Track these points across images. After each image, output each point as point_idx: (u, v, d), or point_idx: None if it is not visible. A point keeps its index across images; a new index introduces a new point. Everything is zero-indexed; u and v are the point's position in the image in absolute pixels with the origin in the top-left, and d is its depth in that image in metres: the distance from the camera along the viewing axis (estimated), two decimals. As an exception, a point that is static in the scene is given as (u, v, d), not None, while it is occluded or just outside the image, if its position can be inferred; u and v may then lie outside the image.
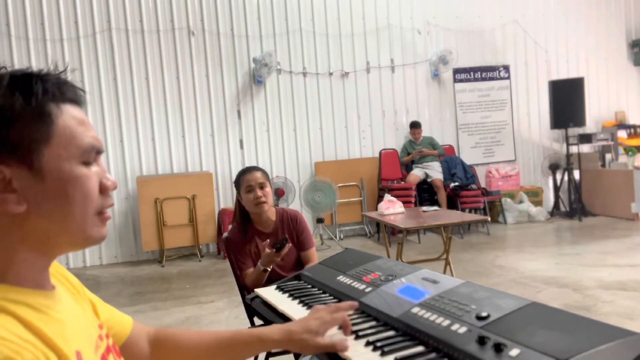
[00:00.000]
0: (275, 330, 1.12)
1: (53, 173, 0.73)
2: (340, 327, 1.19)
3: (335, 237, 7.19)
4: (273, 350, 2.66)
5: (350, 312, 1.25)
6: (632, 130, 8.36)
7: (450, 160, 7.42)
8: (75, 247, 0.78)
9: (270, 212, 2.60)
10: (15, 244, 0.73)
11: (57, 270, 0.88)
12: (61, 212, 0.74)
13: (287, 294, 1.67)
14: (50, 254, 0.77)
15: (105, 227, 0.81)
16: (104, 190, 0.79)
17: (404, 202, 5.14)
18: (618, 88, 8.57)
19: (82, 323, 0.81)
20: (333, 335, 1.17)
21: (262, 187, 2.53)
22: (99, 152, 0.79)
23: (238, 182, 2.59)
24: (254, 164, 7.04)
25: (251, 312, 2.56)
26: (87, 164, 0.77)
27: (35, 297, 0.73)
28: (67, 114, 0.75)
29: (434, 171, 7.28)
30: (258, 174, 2.56)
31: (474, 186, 7.22)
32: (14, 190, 0.70)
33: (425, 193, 7.31)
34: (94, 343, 0.80)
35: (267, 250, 2.34)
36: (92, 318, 0.88)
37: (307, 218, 6.59)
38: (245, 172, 2.59)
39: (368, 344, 1.15)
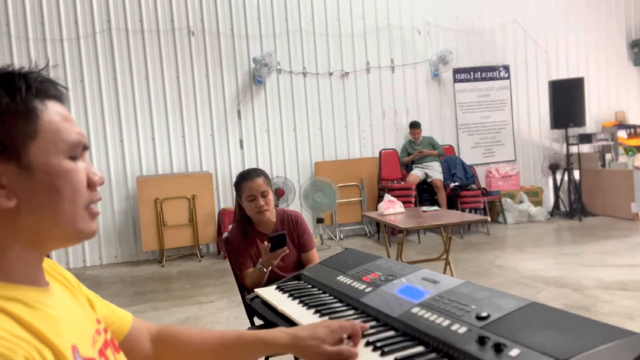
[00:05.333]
0: (281, 334, 1.08)
1: (41, 167, 0.73)
2: (349, 337, 1.14)
3: (335, 237, 7.19)
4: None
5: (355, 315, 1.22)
6: (632, 130, 8.36)
7: (450, 160, 7.42)
8: (66, 243, 0.79)
9: (271, 213, 2.59)
10: (7, 240, 0.73)
11: (53, 267, 0.88)
12: (51, 206, 0.74)
13: (287, 294, 1.67)
14: (42, 249, 0.77)
15: (95, 222, 0.81)
16: (91, 184, 0.79)
17: (404, 202, 5.14)
18: (618, 88, 8.57)
19: (78, 318, 0.81)
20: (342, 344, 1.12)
21: (264, 195, 2.49)
22: (85, 147, 0.80)
23: (239, 187, 2.54)
24: (254, 164, 7.06)
25: (251, 312, 2.56)
26: (74, 158, 0.77)
27: (27, 293, 0.73)
28: (52, 110, 0.76)
29: (434, 171, 7.28)
30: (260, 181, 2.50)
31: (474, 186, 7.22)
32: (2, 186, 0.71)
33: (425, 193, 7.31)
34: (90, 337, 0.80)
35: (266, 246, 2.33)
36: (89, 313, 0.88)
37: (307, 218, 6.60)
38: (247, 177, 2.52)
39: (368, 344, 1.15)
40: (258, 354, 1.11)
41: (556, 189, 8.02)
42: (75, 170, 0.76)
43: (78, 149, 0.78)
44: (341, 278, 1.61)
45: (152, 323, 1.13)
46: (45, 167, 0.73)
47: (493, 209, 7.63)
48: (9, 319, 0.67)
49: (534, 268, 5.07)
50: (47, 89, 0.77)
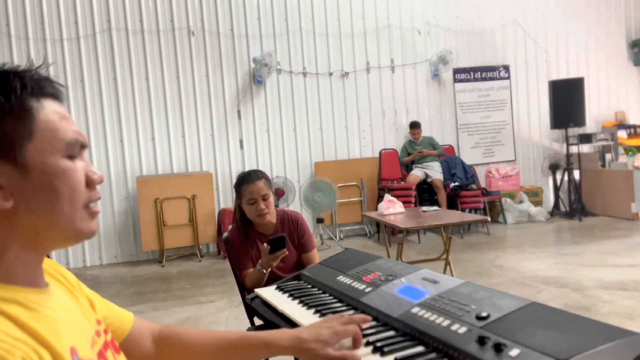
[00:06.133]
0: (284, 336, 1.07)
1: (38, 167, 0.72)
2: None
3: (335, 237, 7.19)
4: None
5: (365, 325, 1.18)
6: (632, 130, 8.36)
7: (450, 160, 7.42)
8: (65, 243, 0.78)
9: (271, 215, 2.58)
10: (5, 241, 0.72)
11: (53, 267, 0.88)
12: (49, 206, 0.73)
13: (287, 294, 1.67)
14: (41, 250, 0.77)
15: (95, 221, 0.80)
16: (90, 183, 0.79)
17: (404, 202, 5.14)
18: (618, 88, 8.57)
19: (78, 319, 0.81)
20: (343, 345, 1.12)
21: (265, 198, 2.48)
22: (83, 146, 0.79)
23: (239, 190, 2.53)
24: (254, 164, 7.07)
25: (251, 312, 2.55)
26: (71, 157, 0.76)
27: (26, 295, 0.72)
28: (48, 109, 0.75)
29: (434, 171, 7.28)
30: (260, 184, 2.49)
31: (474, 186, 7.22)
32: (0, 186, 0.71)
33: (425, 193, 7.31)
34: (90, 339, 0.80)
35: (265, 248, 2.33)
36: (89, 314, 0.87)
37: (307, 218, 6.60)
38: (247, 180, 2.50)
39: (368, 344, 1.15)
40: (260, 356, 1.11)
41: (556, 189, 8.02)
42: (72, 170, 0.76)
43: (76, 148, 0.77)
44: (341, 278, 1.61)
45: (154, 323, 1.12)
46: (42, 167, 0.73)
47: (493, 209, 7.63)
48: (7, 320, 0.66)
49: (534, 268, 5.07)
50: (43, 87, 0.76)
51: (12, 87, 0.72)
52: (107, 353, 0.83)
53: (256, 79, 7.10)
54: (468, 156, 7.86)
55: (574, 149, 7.81)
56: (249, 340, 1.09)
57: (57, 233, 0.76)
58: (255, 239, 2.58)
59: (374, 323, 1.29)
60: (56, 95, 0.78)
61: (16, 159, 0.71)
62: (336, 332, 1.07)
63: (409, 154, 7.46)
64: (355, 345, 1.11)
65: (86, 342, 0.78)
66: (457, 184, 7.13)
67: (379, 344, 1.13)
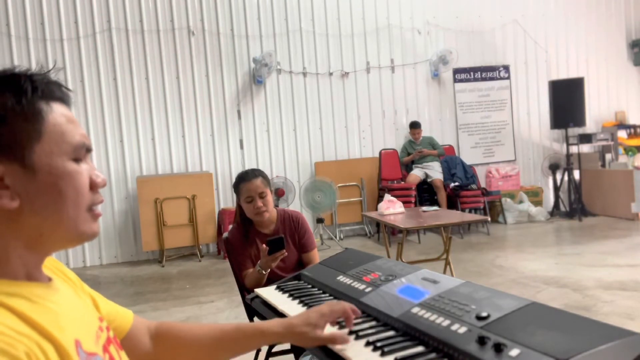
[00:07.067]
0: (276, 323, 1.14)
1: (45, 169, 0.74)
2: (343, 322, 1.22)
3: (335, 237, 7.19)
4: (273, 350, 2.66)
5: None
6: (632, 130, 8.36)
7: (450, 160, 7.42)
8: (68, 244, 0.79)
9: (271, 214, 2.58)
10: (9, 241, 0.73)
11: (55, 265, 0.89)
12: (54, 207, 0.75)
13: (287, 294, 1.67)
14: (44, 250, 0.78)
15: (97, 223, 0.81)
16: (93, 186, 0.80)
17: (404, 202, 5.13)
18: (618, 88, 8.57)
19: (81, 313, 0.81)
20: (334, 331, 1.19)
21: (262, 196, 2.49)
22: (88, 149, 0.80)
23: (237, 188, 2.55)
24: (254, 164, 7.06)
25: (251, 312, 2.56)
26: (77, 160, 0.78)
27: (30, 289, 0.73)
28: (57, 112, 0.77)
29: (434, 171, 7.28)
30: (258, 182, 2.50)
31: (474, 186, 7.22)
32: (6, 186, 0.72)
33: (425, 193, 7.31)
34: (94, 333, 0.81)
35: (264, 249, 2.33)
36: (92, 310, 0.89)
37: (307, 218, 6.58)
38: (244, 179, 2.52)
39: (368, 344, 1.15)
40: (256, 344, 1.15)
41: (556, 189, 8.02)
42: (78, 172, 0.77)
43: (81, 151, 0.79)
44: (341, 278, 1.61)
45: (150, 320, 1.13)
46: (49, 169, 0.74)
47: (493, 209, 7.63)
48: (10, 314, 0.67)
49: (534, 268, 5.07)
50: (53, 90, 0.77)
51: (24, 89, 0.74)
52: (110, 348, 0.84)
53: (256, 79, 7.10)
54: (468, 156, 7.86)
55: (574, 149, 7.81)
56: (243, 329, 1.13)
57: (60, 234, 0.77)
58: (255, 239, 2.58)
59: (374, 323, 1.29)
60: (64, 99, 0.80)
61: (24, 160, 0.72)
62: (323, 314, 1.14)
63: (409, 154, 7.46)
64: (347, 323, 1.20)
65: (90, 335, 0.79)
66: (457, 184, 7.13)
67: (379, 344, 1.14)
